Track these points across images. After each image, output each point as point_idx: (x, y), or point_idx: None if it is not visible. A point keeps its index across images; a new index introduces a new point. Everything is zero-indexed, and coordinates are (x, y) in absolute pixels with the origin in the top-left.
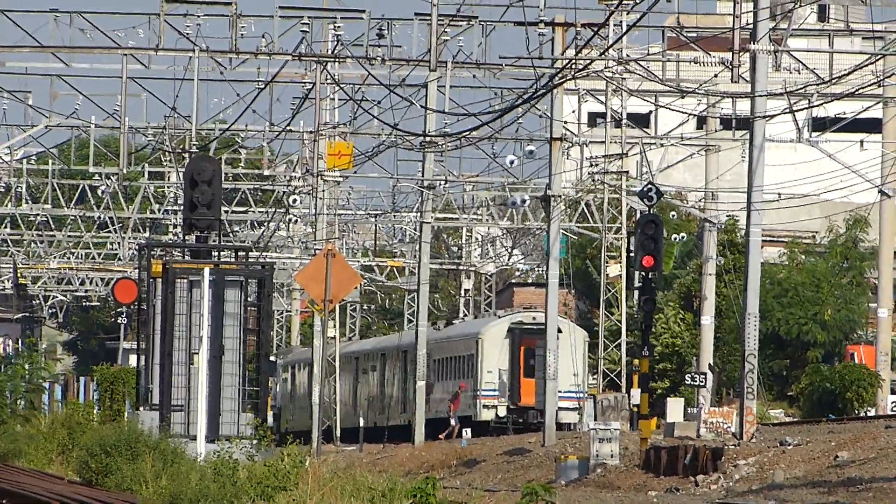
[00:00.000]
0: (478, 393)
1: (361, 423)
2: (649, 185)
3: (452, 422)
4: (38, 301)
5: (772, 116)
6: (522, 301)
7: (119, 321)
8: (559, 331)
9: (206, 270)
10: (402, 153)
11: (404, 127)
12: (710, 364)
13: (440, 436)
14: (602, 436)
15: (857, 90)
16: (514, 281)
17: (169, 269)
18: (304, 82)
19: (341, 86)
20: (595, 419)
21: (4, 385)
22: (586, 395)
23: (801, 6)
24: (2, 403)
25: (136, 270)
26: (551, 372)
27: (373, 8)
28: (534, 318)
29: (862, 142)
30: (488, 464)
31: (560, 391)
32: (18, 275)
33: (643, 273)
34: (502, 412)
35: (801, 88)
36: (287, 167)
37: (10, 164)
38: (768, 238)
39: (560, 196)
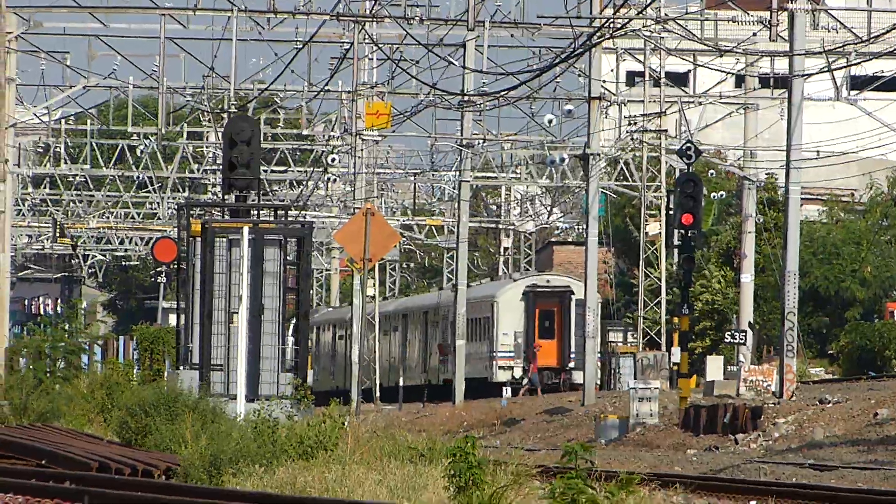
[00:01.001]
0: (494, 354)
1: (401, 383)
2: (688, 144)
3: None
4: (77, 261)
5: (810, 75)
6: (562, 260)
7: (158, 281)
8: (572, 293)
9: (246, 229)
10: (440, 112)
11: (442, 86)
12: (749, 322)
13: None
14: (642, 395)
15: None
16: (553, 239)
17: (208, 228)
18: (343, 42)
19: (379, 45)
20: (635, 378)
21: (44, 346)
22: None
23: None
24: (41, 366)
25: (176, 230)
26: (590, 330)
27: None
28: (548, 282)
29: None
30: (528, 423)
31: (573, 352)
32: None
33: (682, 231)
34: (518, 373)
35: (839, 47)
36: (325, 127)
37: (49, 124)
38: (807, 196)
39: (599, 155)
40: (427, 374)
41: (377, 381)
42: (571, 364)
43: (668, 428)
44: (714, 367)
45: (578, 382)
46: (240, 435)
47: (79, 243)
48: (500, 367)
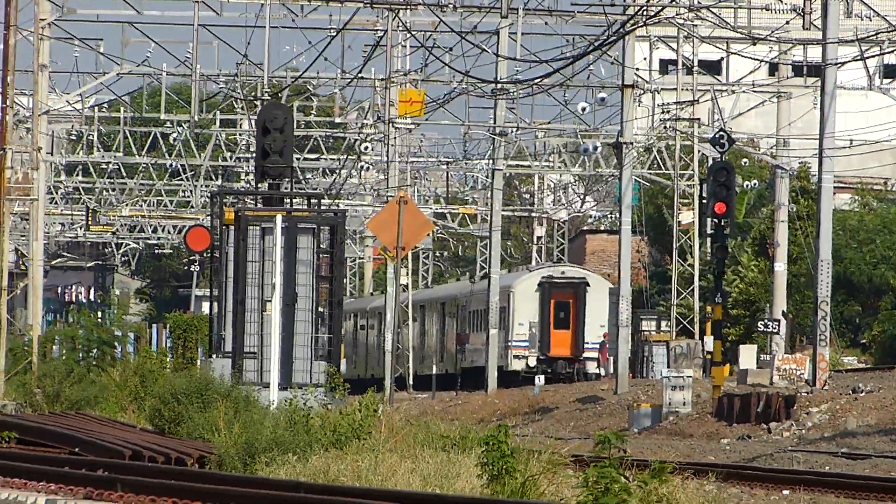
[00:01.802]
0: (509, 344)
1: (434, 371)
2: (721, 132)
3: (602, 371)
4: (110, 249)
5: (843, 63)
6: (595, 248)
7: (191, 269)
8: (587, 284)
9: (279, 217)
10: (473, 100)
11: (476, 74)
12: (783, 311)
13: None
14: (675, 383)
15: None
16: (586, 228)
17: (241, 216)
18: (376, 29)
19: (413, 33)
20: (667, 367)
21: (78, 334)
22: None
23: None
24: (74, 354)
25: (209, 218)
26: (623, 318)
27: None
28: (563, 273)
29: None
30: (560, 411)
31: (588, 342)
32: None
33: (715, 220)
34: (532, 363)
35: (872, 35)
36: (359, 114)
37: (82, 112)
38: (839, 185)
39: (632, 143)
40: (444, 364)
41: (410, 370)
42: (586, 354)
43: (701, 417)
44: (747, 355)
45: (593, 372)
46: (274, 424)
47: (111, 231)
48: (515, 357)
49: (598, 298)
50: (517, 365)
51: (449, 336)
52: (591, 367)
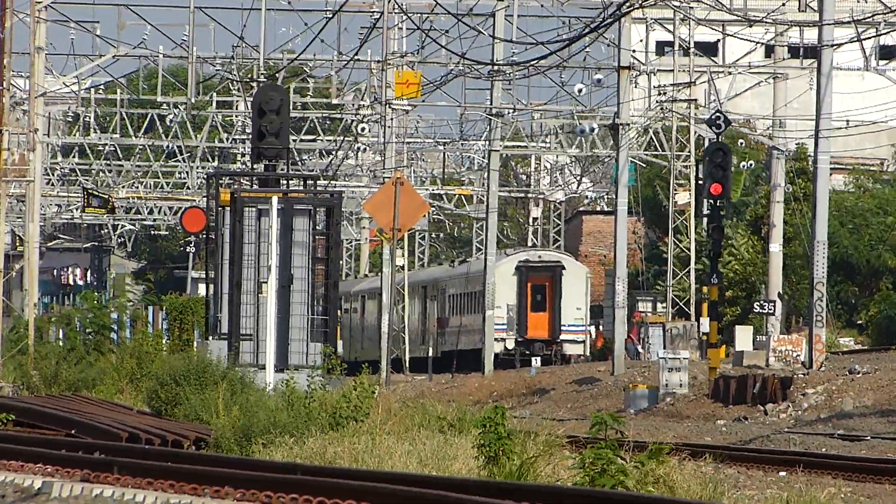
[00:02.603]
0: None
1: (430, 353)
2: (717, 114)
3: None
4: (106, 230)
5: (839, 45)
6: (591, 229)
7: (187, 250)
8: (563, 268)
9: (275, 199)
10: (469, 82)
11: (472, 56)
12: (779, 292)
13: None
14: (671, 365)
15: None
16: (582, 209)
17: (237, 197)
18: (372, 11)
19: (409, 15)
20: (664, 348)
21: (74, 316)
22: (587, 328)
23: None
24: (71, 335)
25: (205, 199)
26: (620, 300)
27: None
28: (539, 257)
29: None
30: (557, 393)
31: (564, 325)
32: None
33: (712, 201)
34: (511, 345)
35: (868, 17)
36: (355, 96)
37: (79, 93)
38: (835, 166)
39: (628, 124)
40: (426, 347)
41: (407, 352)
42: (562, 336)
43: (698, 398)
44: (744, 337)
45: (570, 353)
46: (272, 406)
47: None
48: (494, 339)
49: (574, 282)
50: (496, 347)
51: (431, 319)
52: (571, 349)
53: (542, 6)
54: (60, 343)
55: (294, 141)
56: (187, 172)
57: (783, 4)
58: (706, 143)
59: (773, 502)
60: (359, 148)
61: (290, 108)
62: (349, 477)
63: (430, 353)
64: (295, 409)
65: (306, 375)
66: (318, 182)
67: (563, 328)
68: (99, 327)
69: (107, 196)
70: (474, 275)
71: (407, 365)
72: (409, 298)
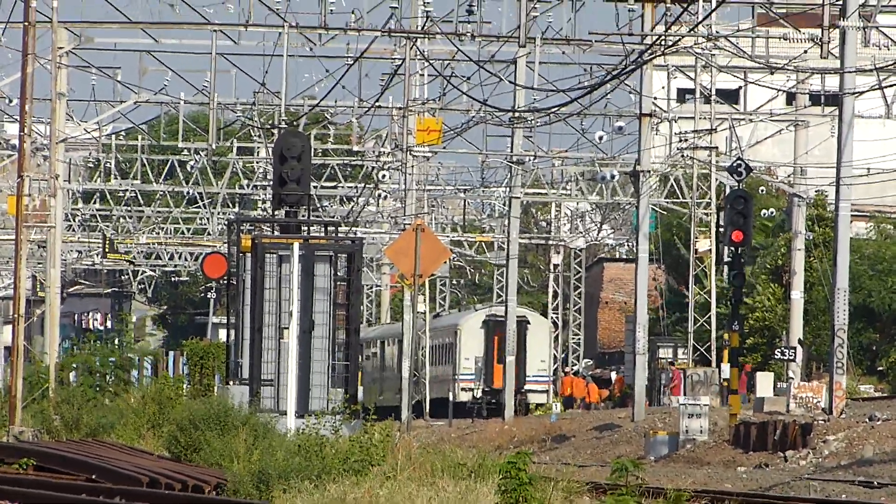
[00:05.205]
0: (456, 377)
1: (451, 398)
2: (738, 161)
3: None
4: (127, 276)
5: (861, 93)
6: (612, 276)
7: (208, 296)
8: (528, 322)
9: (296, 245)
10: (490, 129)
11: (493, 103)
12: (799, 339)
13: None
14: (691, 411)
15: None
16: (603, 256)
17: (258, 243)
18: (394, 58)
19: (430, 62)
20: (684, 394)
21: (93, 361)
22: (551, 378)
23: None
24: (90, 380)
25: (226, 245)
26: (640, 346)
27: None
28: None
29: None
30: (578, 439)
31: (529, 375)
32: (116, 247)
33: (732, 248)
34: (478, 394)
35: (890, 65)
36: (376, 143)
37: (100, 139)
38: (856, 213)
39: (649, 171)
40: (400, 396)
41: (427, 396)
42: (527, 385)
43: (718, 444)
44: (764, 383)
45: (535, 402)
46: (286, 452)
47: (128, 259)
48: (462, 389)
49: (538, 335)
50: (464, 396)
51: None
52: (534, 399)
53: (563, 53)
54: (80, 385)
55: (315, 187)
56: (208, 218)
57: (805, 52)
58: (727, 191)
59: None
60: (380, 194)
61: (312, 154)
62: None
63: (451, 398)
64: (310, 454)
65: (326, 421)
66: (339, 228)
67: (527, 378)
68: (115, 368)
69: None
70: (444, 328)
71: (427, 410)
72: (387, 349)
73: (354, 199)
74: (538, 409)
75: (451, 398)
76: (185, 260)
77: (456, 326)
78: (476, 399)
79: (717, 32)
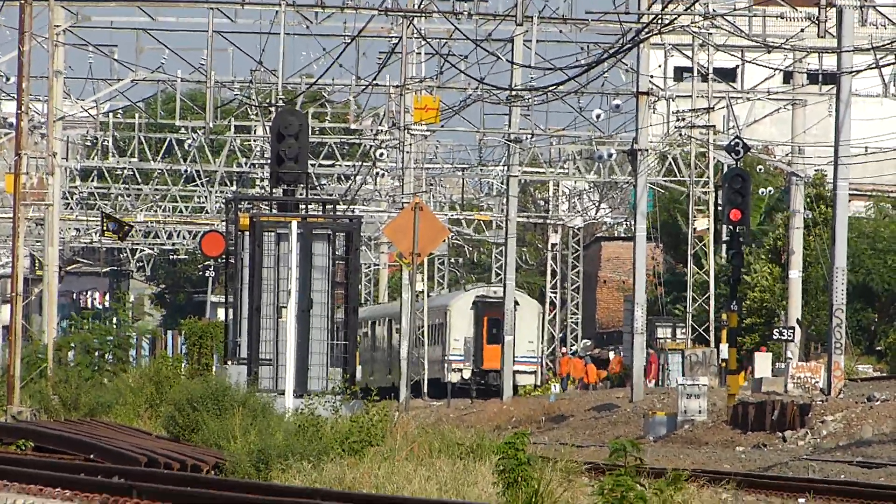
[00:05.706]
0: (446, 358)
1: (448, 379)
2: (736, 140)
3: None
4: (125, 255)
5: (858, 71)
6: (610, 255)
7: (206, 275)
8: (516, 303)
9: (294, 224)
10: (488, 107)
11: (491, 81)
12: (797, 318)
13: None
14: (690, 391)
15: None
16: (601, 235)
17: (256, 222)
18: (391, 37)
19: (428, 40)
20: (683, 374)
21: (91, 340)
22: (539, 360)
23: None
24: (88, 360)
25: (224, 224)
26: (638, 326)
27: None
28: (495, 292)
29: None
30: (576, 419)
31: (517, 356)
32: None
33: (731, 227)
34: (467, 375)
35: (887, 43)
36: (374, 121)
37: (97, 118)
38: (854, 192)
39: (647, 150)
40: (392, 377)
41: (426, 377)
42: (516, 367)
43: (717, 425)
44: (762, 363)
45: (523, 384)
46: (285, 432)
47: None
48: (452, 370)
49: (526, 316)
50: (453, 377)
51: (395, 350)
52: (522, 380)
53: (560, 31)
54: (77, 365)
55: (313, 165)
56: (206, 197)
57: (802, 31)
58: (724, 169)
59: None
60: (377, 173)
61: (309, 132)
62: (368, 502)
63: (448, 379)
64: (308, 434)
65: (326, 402)
66: (336, 207)
67: (516, 359)
68: (114, 347)
69: (122, 222)
70: (434, 308)
71: (425, 390)
72: (377, 330)
73: (352, 177)
74: (532, 390)
75: (447, 379)
76: (183, 238)
77: (446, 307)
78: (465, 380)
79: (714, 11)
